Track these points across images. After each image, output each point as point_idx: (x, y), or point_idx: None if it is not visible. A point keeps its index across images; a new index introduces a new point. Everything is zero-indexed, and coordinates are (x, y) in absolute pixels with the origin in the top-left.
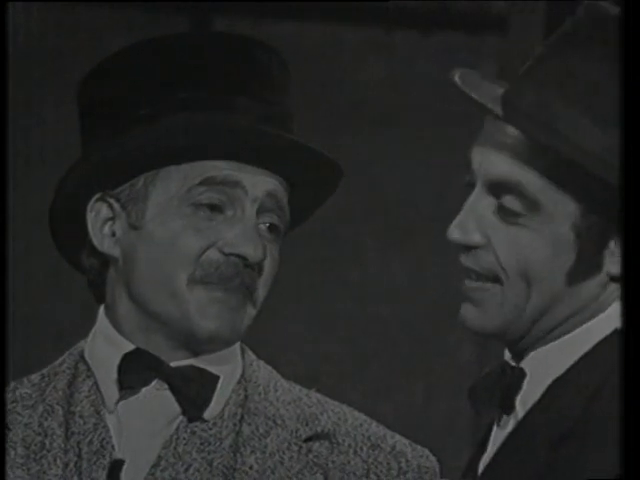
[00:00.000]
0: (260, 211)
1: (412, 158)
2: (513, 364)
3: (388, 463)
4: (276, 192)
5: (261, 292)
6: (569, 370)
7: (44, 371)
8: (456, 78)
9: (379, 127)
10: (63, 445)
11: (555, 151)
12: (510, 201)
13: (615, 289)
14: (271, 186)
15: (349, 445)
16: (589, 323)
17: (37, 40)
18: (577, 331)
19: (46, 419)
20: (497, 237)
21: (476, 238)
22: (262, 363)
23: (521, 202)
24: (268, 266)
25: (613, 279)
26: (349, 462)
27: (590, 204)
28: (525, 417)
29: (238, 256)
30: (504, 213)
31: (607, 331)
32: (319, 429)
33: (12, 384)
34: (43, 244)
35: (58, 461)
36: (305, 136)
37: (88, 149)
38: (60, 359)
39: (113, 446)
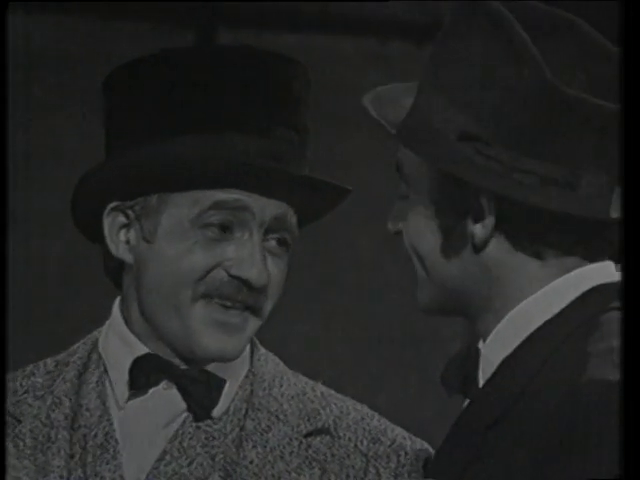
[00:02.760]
0: (267, 232)
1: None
2: (477, 346)
3: (387, 456)
4: (284, 215)
5: (269, 305)
6: (513, 353)
7: (59, 357)
8: (367, 97)
9: (376, 132)
10: (68, 437)
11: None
12: (403, 184)
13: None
14: (279, 210)
15: (349, 439)
16: (525, 302)
17: (38, 45)
18: (518, 308)
19: (53, 411)
20: (405, 220)
21: (397, 226)
22: (271, 356)
23: (405, 181)
24: (275, 279)
25: (476, 249)
26: (349, 456)
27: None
28: (470, 401)
29: (241, 279)
30: (401, 197)
31: (547, 313)
32: (320, 424)
33: (29, 368)
34: (43, 244)
35: (62, 452)
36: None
37: (109, 154)
38: (74, 346)
39: (117, 440)
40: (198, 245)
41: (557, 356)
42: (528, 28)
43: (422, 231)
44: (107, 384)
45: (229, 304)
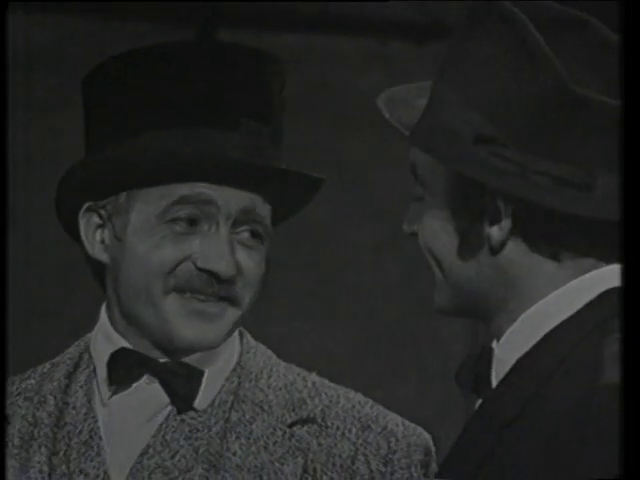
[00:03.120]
0: (235, 225)
1: (405, 162)
2: (491, 346)
3: (377, 443)
4: (252, 207)
5: (246, 295)
6: (527, 354)
7: (55, 359)
8: (381, 99)
9: (375, 132)
10: (50, 434)
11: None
12: (418, 186)
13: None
14: (246, 202)
15: (337, 428)
16: (541, 303)
17: (38, 45)
18: (533, 308)
19: (38, 409)
20: (420, 222)
21: (412, 227)
22: (261, 348)
23: (420, 182)
24: (250, 271)
25: (493, 251)
26: (336, 445)
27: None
28: (484, 400)
29: (210, 272)
30: (416, 198)
31: (562, 314)
32: (305, 414)
33: (28, 372)
34: (43, 244)
35: (43, 449)
36: (305, 141)
37: (86, 153)
38: (69, 348)
39: (101, 437)
40: (166, 239)
41: (572, 358)
42: (541, 28)
43: (438, 233)
44: (94, 383)
45: (202, 298)
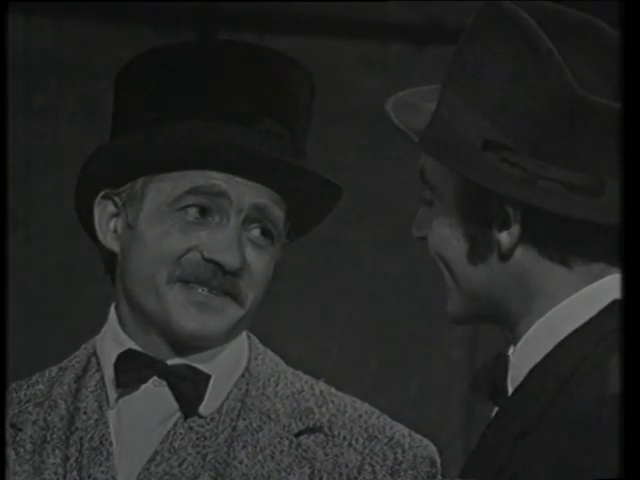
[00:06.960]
0: (246, 222)
1: (407, 164)
2: (506, 354)
3: (384, 454)
4: (265, 205)
5: (250, 294)
6: (541, 362)
7: (62, 364)
8: (389, 103)
9: (377, 134)
10: (64, 437)
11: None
12: (427, 190)
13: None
14: (259, 199)
15: (344, 437)
16: (554, 310)
17: (39, 48)
18: (547, 316)
19: (49, 414)
20: (429, 226)
21: (422, 232)
22: (269, 355)
23: (429, 187)
24: (256, 268)
25: (503, 257)
26: (342, 454)
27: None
28: (500, 408)
29: (216, 263)
30: (426, 203)
31: (575, 321)
32: (312, 423)
33: (35, 377)
34: (44, 244)
35: (57, 451)
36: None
37: (105, 144)
38: (77, 352)
39: (111, 442)
40: (175, 228)
41: (585, 366)
42: (551, 32)
43: (447, 239)
44: (104, 386)
45: (206, 289)
